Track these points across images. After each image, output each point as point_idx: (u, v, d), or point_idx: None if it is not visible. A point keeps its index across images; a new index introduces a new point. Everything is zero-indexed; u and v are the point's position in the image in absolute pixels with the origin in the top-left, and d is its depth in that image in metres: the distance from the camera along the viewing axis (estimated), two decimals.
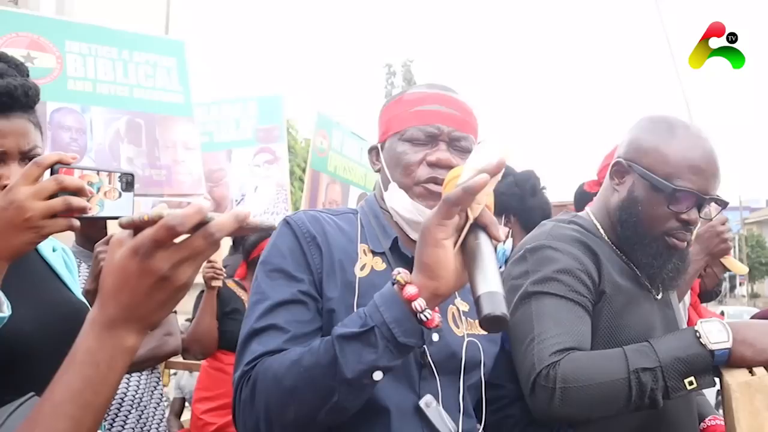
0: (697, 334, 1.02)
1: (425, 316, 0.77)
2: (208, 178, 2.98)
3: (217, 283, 2.41)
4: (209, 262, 2.41)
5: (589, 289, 1.14)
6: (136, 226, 0.56)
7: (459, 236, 0.77)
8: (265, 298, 0.96)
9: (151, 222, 0.54)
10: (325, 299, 0.97)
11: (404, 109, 1.08)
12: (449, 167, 1.01)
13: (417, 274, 0.78)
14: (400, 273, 0.80)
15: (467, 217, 0.76)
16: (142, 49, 2.13)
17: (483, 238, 0.76)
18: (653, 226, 1.18)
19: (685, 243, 1.20)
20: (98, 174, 0.92)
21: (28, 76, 1.04)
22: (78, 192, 0.85)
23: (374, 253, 1.04)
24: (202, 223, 0.55)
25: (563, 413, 1.03)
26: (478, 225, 0.77)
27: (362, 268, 1.01)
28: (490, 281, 0.71)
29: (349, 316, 0.85)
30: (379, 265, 1.03)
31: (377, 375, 0.81)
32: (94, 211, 0.89)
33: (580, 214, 1.34)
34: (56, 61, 1.86)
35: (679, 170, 1.15)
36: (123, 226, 0.57)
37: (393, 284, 0.80)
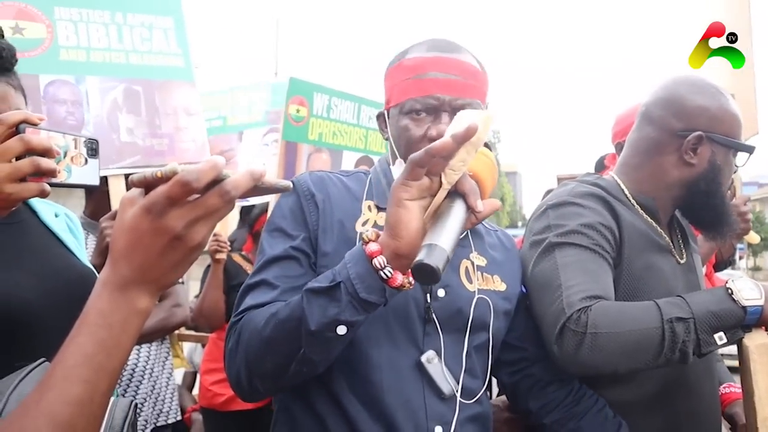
0: (729, 291, 1.06)
1: (386, 273, 0.82)
2: None
3: (222, 256, 2.51)
4: (214, 235, 2.50)
5: (611, 245, 1.19)
6: (148, 184, 0.56)
7: (432, 201, 0.81)
8: (263, 255, 1.05)
9: (165, 179, 0.54)
10: (320, 254, 1.04)
11: (403, 77, 1.09)
12: None
13: (383, 233, 0.84)
14: (368, 230, 0.85)
15: (441, 183, 0.80)
16: (137, 10, 2.11)
17: (457, 205, 0.80)
18: (724, 187, 1.28)
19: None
20: (64, 137, 0.90)
21: (2, 37, 1.03)
22: (46, 153, 0.82)
23: (379, 209, 1.10)
24: (216, 181, 0.55)
25: (591, 361, 1.05)
26: (458, 194, 0.81)
27: (364, 224, 1.07)
28: (438, 236, 0.75)
29: (323, 273, 0.91)
30: (383, 220, 1.07)
31: (341, 329, 0.86)
32: (62, 177, 0.88)
33: (603, 176, 1.37)
34: (46, 30, 1.87)
35: (740, 128, 1.27)
36: (134, 183, 0.57)
37: (362, 242, 0.86)
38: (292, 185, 0.63)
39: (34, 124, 0.84)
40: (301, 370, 0.92)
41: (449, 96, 1.05)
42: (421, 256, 0.73)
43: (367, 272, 0.84)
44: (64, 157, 0.89)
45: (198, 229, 0.57)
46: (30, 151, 0.82)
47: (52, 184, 0.87)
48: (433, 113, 1.06)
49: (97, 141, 0.94)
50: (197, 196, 0.56)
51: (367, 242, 0.84)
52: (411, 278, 0.84)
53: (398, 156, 1.11)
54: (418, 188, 0.80)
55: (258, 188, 0.58)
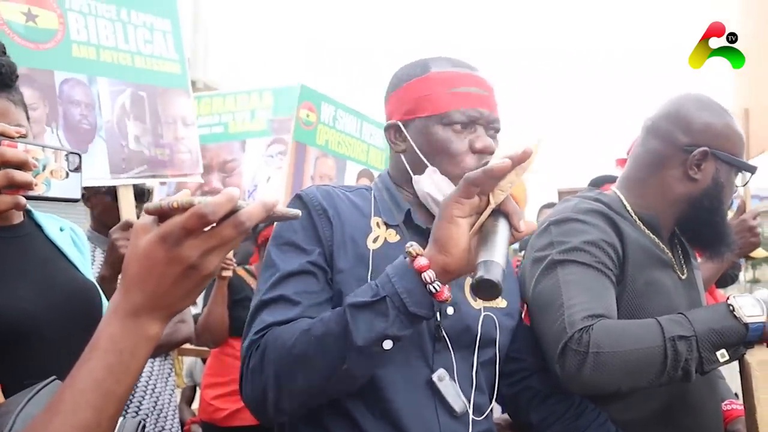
0: (731, 307, 1.08)
1: (435, 287, 0.85)
2: (221, 169, 3.12)
3: (228, 274, 2.52)
4: None
5: (614, 262, 1.21)
6: (163, 213, 0.58)
7: (478, 219, 0.85)
8: (275, 270, 1.03)
9: (181, 209, 0.56)
10: (336, 271, 1.04)
11: (439, 89, 1.10)
12: (492, 153, 1.09)
13: (429, 248, 0.86)
14: (413, 245, 0.87)
15: (489, 202, 0.84)
16: (139, 8, 2.10)
17: (502, 224, 0.84)
18: (725, 206, 1.30)
19: None
20: (44, 150, 0.90)
21: (3, 54, 1.04)
22: (21, 166, 0.83)
23: (388, 225, 1.11)
24: (231, 212, 0.57)
25: (593, 380, 1.06)
26: (501, 213, 0.85)
27: (375, 240, 1.08)
28: (491, 253, 0.80)
29: (361, 287, 0.92)
30: (393, 237, 1.10)
31: (387, 344, 0.88)
32: (40, 190, 0.88)
33: (605, 192, 1.39)
34: (58, 20, 1.85)
35: (743, 148, 1.29)
36: (149, 212, 0.59)
37: (405, 256, 0.88)
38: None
39: (11, 137, 0.85)
40: (338, 387, 0.92)
41: (487, 111, 1.10)
42: (481, 273, 0.77)
43: (415, 286, 0.86)
44: (43, 170, 0.89)
45: (212, 258, 0.59)
46: (5, 164, 0.82)
47: (29, 197, 0.87)
48: (469, 127, 1.09)
49: (80, 155, 0.95)
50: (212, 225, 0.58)
51: (415, 257, 0.86)
52: (451, 292, 0.88)
53: (428, 164, 1.11)
54: (470, 206, 0.84)
55: (269, 217, 0.60)
